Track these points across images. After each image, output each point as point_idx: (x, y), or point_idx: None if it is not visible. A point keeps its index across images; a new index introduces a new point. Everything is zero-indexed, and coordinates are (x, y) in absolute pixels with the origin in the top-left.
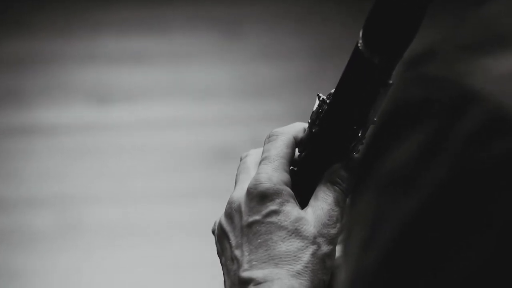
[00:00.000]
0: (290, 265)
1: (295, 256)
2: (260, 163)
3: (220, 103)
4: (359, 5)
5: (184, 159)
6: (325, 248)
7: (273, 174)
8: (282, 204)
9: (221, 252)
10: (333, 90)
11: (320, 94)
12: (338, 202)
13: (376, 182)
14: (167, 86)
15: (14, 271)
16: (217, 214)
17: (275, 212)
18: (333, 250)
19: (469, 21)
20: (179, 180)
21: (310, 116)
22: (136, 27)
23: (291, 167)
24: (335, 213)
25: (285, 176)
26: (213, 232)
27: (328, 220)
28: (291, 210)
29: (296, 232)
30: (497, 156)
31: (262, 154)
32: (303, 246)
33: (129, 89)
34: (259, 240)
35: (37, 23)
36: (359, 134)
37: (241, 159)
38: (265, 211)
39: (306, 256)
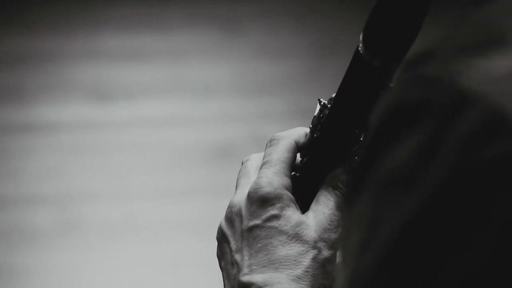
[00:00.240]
0: (290, 269)
1: (295, 260)
2: (261, 167)
3: (220, 100)
4: (359, 2)
5: (184, 156)
6: (326, 253)
7: (274, 179)
8: (282, 208)
9: (221, 256)
10: (334, 95)
11: (321, 99)
12: (339, 207)
13: (376, 183)
14: (167, 84)
15: (13, 269)
16: (217, 212)
17: (275, 217)
18: (334, 255)
19: (468, 21)
20: (180, 177)
21: (311, 121)
22: (136, 25)
23: (293, 173)
24: (336, 217)
25: (286, 181)
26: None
27: (329, 224)
28: (292, 214)
29: (296, 237)
30: (497, 156)
31: (263, 159)
32: (303, 251)
33: (129, 87)
34: (259, 245)
35: (36, 21)
36: (361, 138)
37: (242, 164)
38: (265, 215)
39: (306, 260)
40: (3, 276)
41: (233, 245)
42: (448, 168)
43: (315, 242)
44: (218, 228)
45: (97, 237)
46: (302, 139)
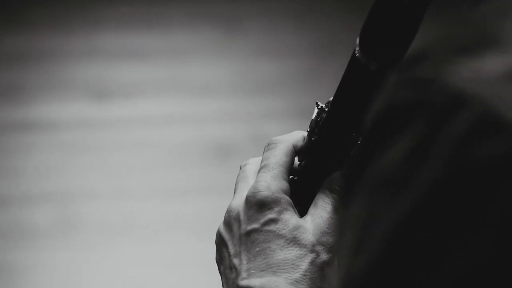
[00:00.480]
0: (288, 273)
1: (293, 264)
2: (259, 171)
3: (219, 99)
4: (359, 2)
5: (184, 155)
6: (324, 256)
7: (272, 183)
8: (280, 212)
9: (219, 261)
10: (331, 98)
11: (318, 103)
12: (337, 210)
13: (369, 183)
14: (166, 82)
15: (13, 268)
16: (217, 212)
17: (273, 221)
18: (332, 258)
19: (462, 21)
20: (179, 176)
21: (309, 124)
22: (136, 24)
23: (291, 176)
24: (334, 221)
25: (284, 185)
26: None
27: (327, 228)
28: (290, 218)
29: (294, 241)
30: (489, 156)
31: (261, 163)
32: (301, 254)
33: (128, 85)
34: (257, 249)
35: (36, 20)
36: (358, 142)
37: (240, 168)
38: (263, 219)
39: (304, 264)
40: (2, 275)
41: (231, 249)
42: (441, 169)
43: (313, 245)
44: (216, 233)
45: (97, 237)
46: (300, 143)
